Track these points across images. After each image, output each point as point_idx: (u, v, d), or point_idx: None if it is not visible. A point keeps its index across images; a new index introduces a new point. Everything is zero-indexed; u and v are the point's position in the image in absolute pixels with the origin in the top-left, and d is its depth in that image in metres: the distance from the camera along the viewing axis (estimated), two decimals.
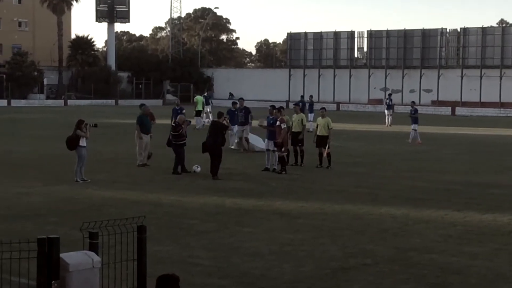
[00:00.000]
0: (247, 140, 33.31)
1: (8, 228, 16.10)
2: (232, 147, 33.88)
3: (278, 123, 26.12)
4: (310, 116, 46.40)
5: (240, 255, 13.88)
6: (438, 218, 17.84)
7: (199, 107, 48.20)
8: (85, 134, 23.09)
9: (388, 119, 55.75)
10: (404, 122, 59.22)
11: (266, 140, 27.15)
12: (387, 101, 58.27)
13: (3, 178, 24.12)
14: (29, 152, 32.30)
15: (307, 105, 48.80)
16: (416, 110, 41.87)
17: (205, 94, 55.68)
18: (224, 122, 25.57)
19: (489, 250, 14.63)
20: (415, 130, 40.48)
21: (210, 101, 54.66)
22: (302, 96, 56.99)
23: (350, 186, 23.39)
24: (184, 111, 34.17)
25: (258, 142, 32.89)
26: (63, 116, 63.14)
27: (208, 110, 52.52)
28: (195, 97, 51.56)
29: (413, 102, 46.31)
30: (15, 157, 30.71)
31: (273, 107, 27.77)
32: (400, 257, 13.87)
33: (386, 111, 57.65)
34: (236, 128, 33.71)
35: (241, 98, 37.01)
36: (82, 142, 23.02)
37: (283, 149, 26.05)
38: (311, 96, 54.65)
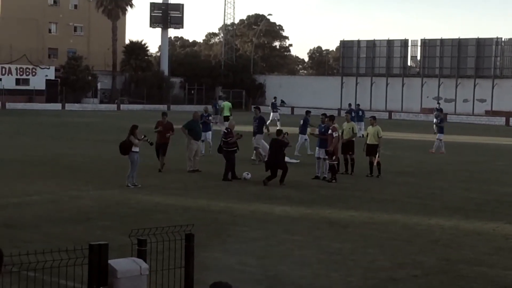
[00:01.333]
0: (256, 149, 31.47)
1: (59, 231, 16.29)
2: (253, 157, 31.95)
3: (330, 131, 26.08)
4: (360, 124, 46.04)
5: (288, 263, 13.85)
6: (489, 231, 17.62)
7: (226, 113, 48.08)
8: (138, 141, 23.26)
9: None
10: (455, 132, 58.72)
11: (317, 148, 27.08)
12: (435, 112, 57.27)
13: (55, 181, 24.42)
14: (81, 156, 32.64)
15: (353, 113, 48.77)
16: (442, 119, 40.41)
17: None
18: (284, 139, 25.54)
19: None
20: (440, 140, 39.27)
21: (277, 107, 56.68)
22: (350, 104, 56.64)
23: (400, 195, 23.23)
24: (210, 117, 35.82)
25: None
26: (116, 120, 63.74)
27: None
28: (222, 103, 51.90)
29: (440, 109, 44.90)
30: (67, 160, 31.07)
31: (324, 115, 27.71)
32: (450, 269, 13.73)
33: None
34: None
35: (257, 107, 34.82)
36: (135, 148, 23.20)
37: (333, 158, 26.00)
38: (358, 105, 54.43)
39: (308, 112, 35.89)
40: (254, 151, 31.73)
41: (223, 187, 24.15)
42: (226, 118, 47.84)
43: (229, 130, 26.44)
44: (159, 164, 27.97)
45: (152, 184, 24.19)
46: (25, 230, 16.32)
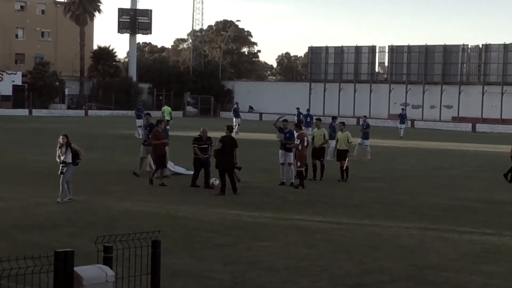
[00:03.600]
0: (142, 160, 28.63)
1: (26, 238, 16.18)
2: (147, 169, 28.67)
3: (297, 141, 26.07)
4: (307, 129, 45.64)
5: (256, 269, 13.85)
6: (455, 236, 17.75)
7: (167, 117, 49.51)
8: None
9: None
10: (422, 138, 59.09)
11: (280, 152, 27.01)
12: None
13: (22, 187, 24.25)
14: (49, 162, 32.31)
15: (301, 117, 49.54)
16: (368, 125, 39.88)
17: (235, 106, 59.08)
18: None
19: (507, 269, 14.52)
20: (367, 145, 38.50)
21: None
22: (298, 109, 57.12)
23: (368, 201, 23.33)
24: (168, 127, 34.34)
25: (170, 165, 28.66)
26: (84, 126, 63.45)
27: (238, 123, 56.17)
28: (163, 108, 54.17)
29: (365, 116, 44.99)
30: (34, 166, 30.87)
31: (285, 121, 27.73)
32: (417, 275, 13.80)
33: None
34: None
35: (148, 114, 32.31)
36: (68, 159, 21.36)
37: (299, 164, 26.06)
38: (307, 110, 55.35)
39: (334, 118, 36.12)
40: (141, 161, 28.81)
41: (191, 193, 24.09)
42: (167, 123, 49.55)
43: (200, 136, 26.02)
44: (138, 170, 27.97)
45: (120, 190, 24.09)
46: None
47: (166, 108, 53.27)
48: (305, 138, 26.51)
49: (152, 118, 30.90)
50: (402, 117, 61.88)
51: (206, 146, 25.53)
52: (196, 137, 25.97)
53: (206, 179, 25.24)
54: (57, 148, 21.30)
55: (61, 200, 21.12)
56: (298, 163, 26.10)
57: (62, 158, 21.07)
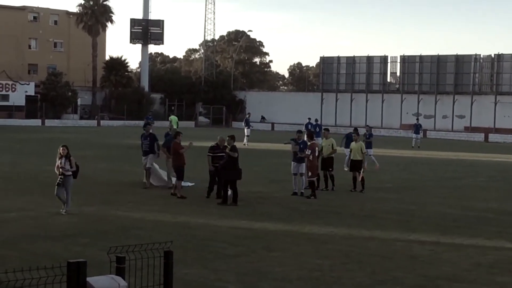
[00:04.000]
0: (148, 172, 28.19)
1: (38, 248, 16.22)
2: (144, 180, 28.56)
3: (308, 151, 26.10)
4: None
5: (268, 280, 13.84)
6: (468, 247, 17.69)
7: (174, 126, 48.82)
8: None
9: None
10: (434, 148, 58.95)
11: (292, 163, 27.05)
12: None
13: (34, 197, 24.32)
14: None
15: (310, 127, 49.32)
16: (371, 135, 39.58)
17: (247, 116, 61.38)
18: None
19: None
20: (370, 155, 37.84)
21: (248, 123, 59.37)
22: (309, 119, 56.70)
23: (380, 211, 23.30)
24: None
25: (166, 176, 28.50)
26: (97, 136, 63.64)
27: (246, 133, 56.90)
28: (170, 117, 55.24)
29: (367, 126, 44.82)
30: (46, 176, 30.89)
31: (300, 131, 27.81)
32: (429, 285, 13.76)
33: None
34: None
35: (148, 124, 31.92)
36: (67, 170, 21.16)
37: (310, 174, 26.08)
38: (316, 120, 55.01)
39: (355, 130, 35.78)
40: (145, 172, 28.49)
41: (203, 203, 24.08)
42: None
43: (217, 145, 25.76)
44: (146, 182, 27.84)
45: (132, 201, 24.13)
46: (3, 247, 16.22)
47: (173, 118, 54.14)
48: (316, 148, 26.52)
49: (153, 127, 30.77)
50: (417, 127, 61.91)
51: (223, 154, 24.87)
52: (212, 145, 25.71)
53: (218, 190, 25.07)
54: (57, 159, 21.16)
55: (65, 212, 21.04)
56: (309, 173, 26.14)
57: (61, 169, 20.89)
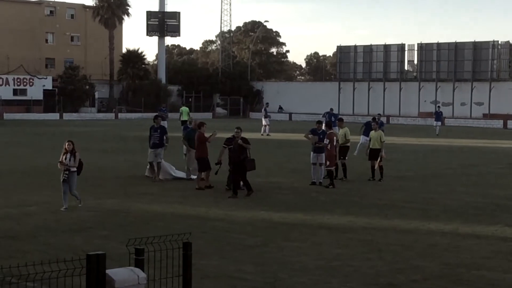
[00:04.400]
0: (159, 166, 27.72)
1: (58, 241, 16.28)
2: (146, 174, 28.48)
3: (327, 140, 26.11)
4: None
5: (287, 270, 13.84)
6: (488, 234, 17.62)
7: (185, 117, 51.10)
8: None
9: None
10: (454, 136, 58.74)
11: (311, 153, 27.03)
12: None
13: (54, 191, 24.39)
14: None
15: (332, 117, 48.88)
16: (382, 123, 37.60)
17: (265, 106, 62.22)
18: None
19: None
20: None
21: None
22: (332, 109, 55.74)
23: (400, 200, 23.24)
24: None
25: (171, 169, 28.39)
26: (115, 129, 63.81)
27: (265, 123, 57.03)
28: (181, 108, 56.36)
29: (379, 114, 44.93)
30: None
31: (319, 122, 27.83)
32: (449, 274, 13.71)
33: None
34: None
35: (157, 116, 30.56)
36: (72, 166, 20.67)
37: (328, 164, 26.09)
38: (331, 109, 54.34)
39: (374, 118, 35.27)
40: (148, 167, 28.40)
41: (221, 195, 24.03)
42: (184, 123, 51.35)
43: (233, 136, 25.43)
44: (154, 176, 27.58)
45: (150, 193, 24.18)
46: (24, 241, 16.31)
47: (184, 109, 54.88)
48: (334, 138, 26.47)
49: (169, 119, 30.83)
50: (438, 115, 62.08)
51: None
52: (229, 137, 25.24)
53: (229, 183, 24.54)
54: (62, 155, 20.62)
55: (80, 205, 20.93)
56: (327, 163, 26.14)
57: (65, 165, 20.38)
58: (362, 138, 37.11)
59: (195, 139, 26.00)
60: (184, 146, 28.53)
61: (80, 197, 21.01)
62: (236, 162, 23.66)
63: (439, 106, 68.85)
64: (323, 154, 26.40)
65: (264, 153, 35.84)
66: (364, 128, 36.63)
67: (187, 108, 55.98)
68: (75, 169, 20.55)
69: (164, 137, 27.74)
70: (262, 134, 55.05)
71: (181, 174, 28.19)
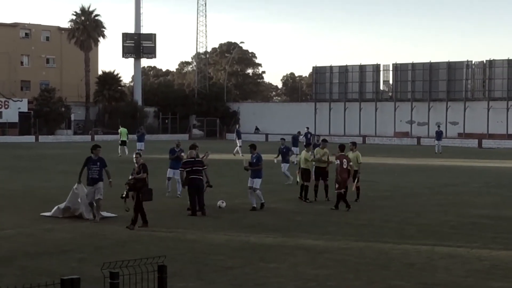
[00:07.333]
0: (98, 204, 23.56)
1: (34, 265, 16.17)
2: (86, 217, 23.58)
3: (337, 161, 25.91)
4: (295, 149, 43.85)
5: None
6: (464, 253, 17.70)
7: (123, 138, 54.92)
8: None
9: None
10: (428, 155, 58.99)
11: (249, 178, 26.08)
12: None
13: (29, 213, 24.26)
14: (56, 188, 32.41)
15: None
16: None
17: (237, 127, 62.94)
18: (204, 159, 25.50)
19: None
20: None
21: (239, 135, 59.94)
22: (308, 128, 56.05)
23: (376, 220, 23.30)
24: (183, 153, 29.71)
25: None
26: (90, 152, 63.47)
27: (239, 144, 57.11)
28: (119, 129, 58.18)
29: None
30: (41, 192, 30.90)
31: (252, 146, 27.05)
32: None
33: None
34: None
35: (96, 146, 25.18)
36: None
37: (336, 186, 25.83)
38: (307, 128, 55.01)
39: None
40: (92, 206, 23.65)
41: (199, 216, 24.01)
42: (124, 143, 54.91)
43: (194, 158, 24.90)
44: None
45: (127, 215, 24.02)
46: (0, 265, 16.19)
47: (123, 130, 56.47)
48: (344, 160, 26.18)
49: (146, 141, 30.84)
50: (439, 134, 65.28)
51: (198, 167, 24.47)
52: (186, 160, 24.93)
53: (200, 205, 24.24)
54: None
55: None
56: (336, 185, 25.84)
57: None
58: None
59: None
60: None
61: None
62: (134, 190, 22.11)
63: (439, 126, 70.36)
64: (260, 179, 25.89)
65: (238, 174, 35.78)
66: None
67: (126, 129, 57.12)
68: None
69: (104, 171, 23.80)
70: (234, 154, 55.12)
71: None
